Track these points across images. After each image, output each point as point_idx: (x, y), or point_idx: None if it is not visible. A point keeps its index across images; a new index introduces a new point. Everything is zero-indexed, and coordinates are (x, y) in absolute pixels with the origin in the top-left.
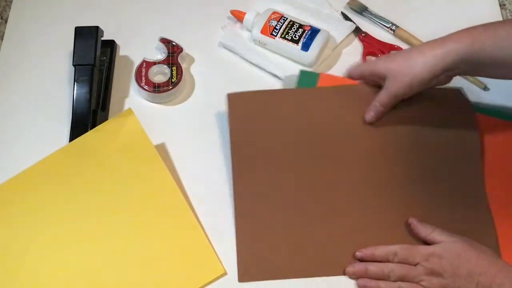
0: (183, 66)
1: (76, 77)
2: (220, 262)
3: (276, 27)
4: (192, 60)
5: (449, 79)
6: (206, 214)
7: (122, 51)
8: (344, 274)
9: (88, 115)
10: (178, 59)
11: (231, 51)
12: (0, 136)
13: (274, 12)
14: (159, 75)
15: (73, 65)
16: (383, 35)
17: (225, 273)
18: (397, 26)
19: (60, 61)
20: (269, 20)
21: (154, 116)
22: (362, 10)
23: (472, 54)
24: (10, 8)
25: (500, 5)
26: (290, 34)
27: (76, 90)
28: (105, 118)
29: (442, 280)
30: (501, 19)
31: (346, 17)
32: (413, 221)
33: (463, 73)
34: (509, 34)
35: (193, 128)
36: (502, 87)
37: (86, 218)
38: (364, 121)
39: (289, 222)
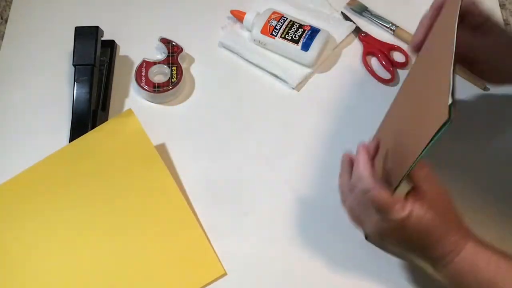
0: (183, 66)
1: (76, 77)
2: (220, 262)
3: (276, 27)
4: (192, 60)
5: None
6: (206, 214)
7: (122, 51)
8: None
9: (88, 115)
10: (178, 59)
11: (231, 51)
12: (0, 136)
13: (274, 12)
14: (159, 75)
15: (73, 65)
16: (383, 35)
17: (225, 274)
18: (397, 26)
19: (60, 61)
20: (269, 20)
21: (154, 116)
22: (362, 10)
23: None
24: (10, 8)
25: (500, 5)
26: (290, 34)
27: (76, 90)
28: (105, 118)
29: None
30: (501, 19)
31: (346, 17)
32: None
33: None
34: None
35: (193, 128)
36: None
37: (86, 218)
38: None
39: None
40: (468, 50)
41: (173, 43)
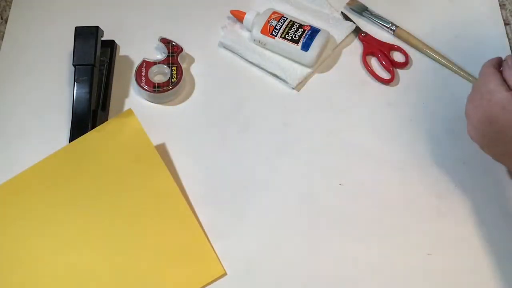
0: (183, 66)
1: (76, 77)
2: (220, 262)
3: (276, 27)
4: (192, 60)
5: None
6: (206, 214)
7: (122, 51)
8: None
9: (88, 115)
10: (178, 59)
11: (231, 51)
12: (0, 136)
13: (274, 12)
14: (159, 75)
15: (73, 65)
16: (383, 35)
17: (225, 274)
18: (397, 26)
19: (60, 61)
20: (269, 20)
21: (154, 116)
22: (362, 10)
23: None
24: (10, 8)
25: (500, 5)
26: (290, 34)
27: (76, 90)
28: (105, 118)
29: None
30: (501, 19)
31: (346, 17)
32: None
33: None
34: None
35: (193, 128)
36: None
37: (86, 218)
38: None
39: None
40: None
41: (173, 43)
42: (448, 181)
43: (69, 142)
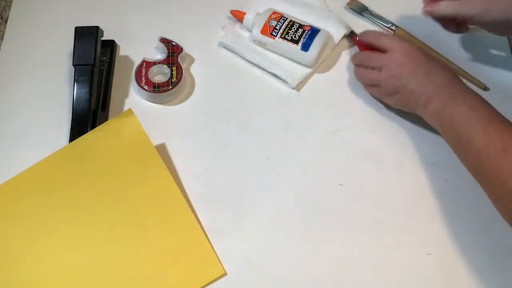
0: (183, 66)
1: (76, 77)
2: (220, 262)
3: (276, 27)
4: (192, 60)
5: None
6: (206, 214)
7: (122, 51)
8: None
9: (88, 115)
10: (178, 59)
11: (231, 51)
12: (0, 136)
13: (274, 12)
14: (159, 75)
15: (73, 65)
16: None
17: (225, 274)
18: (397, 26)
19: (60, 61)
20: (269, 20)
21: (154, 116)
22: (362, 10)
23: None
24: (10, 8)
25: None
26: (290, 34)
27: (76, 90)
28: (105, 118)
29: (398, 82)
30: None
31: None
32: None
33: None
34: None
35: (193, 128)
36: (502, 86)
37: (85, 218)
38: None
39: None
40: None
41: (173, 43)
42: (448, 181)
43: (69, 142)
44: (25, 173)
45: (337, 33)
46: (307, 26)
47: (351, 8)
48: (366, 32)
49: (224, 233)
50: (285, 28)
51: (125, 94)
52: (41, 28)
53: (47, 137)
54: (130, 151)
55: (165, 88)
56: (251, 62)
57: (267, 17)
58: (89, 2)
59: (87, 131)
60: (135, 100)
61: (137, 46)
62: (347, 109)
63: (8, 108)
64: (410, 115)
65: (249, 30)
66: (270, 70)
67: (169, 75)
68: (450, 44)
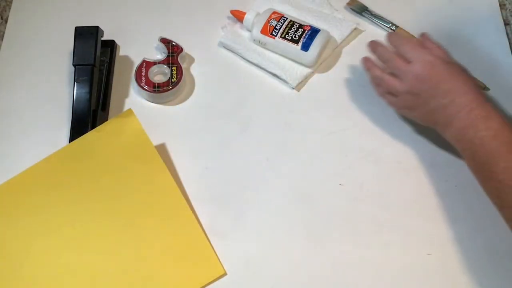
0: (183, 66)
1: (76, 77)
2: (220, 262)
3: (276, 27)
4: (192, 60)
5: None
6: (206, 214)
7: (122, 51)
8: None
9: (88, 115)
10: (178, 59)
11: (231, 51)
12: (0, 136)
13: (274, 12)
14: (159, 75)
15: (73, 65)
16: (383, 35)
17: (225, 274)
18: (397, 26)
19: (60, 61)
20: (269, 20)
21: (154, 116)
22: (362, 10)
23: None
24: (10, 8)
25: (500, 5)
26: (290, 34)
27: (76, 90)
28: (105, 118)
29: (417, 99)
30: (501, 19)
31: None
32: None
33: None
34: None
35: (193, 128)
36: (502, 86)
37: (85, 218)
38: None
39: None
40: None
41: (173, 43)
42: (448, 181)
43: (69, 142)
44: (25, 173)
45: (339, 33)
46: (307, 26)
47: (351, 8)
48: (391, 35)
49: (224, 233)
50: (285, 28)
51: (125, 94)
52: (41, 28)
53: (47, 137)
54: (130, 151)
55: (165, 88)
56: (251, 62)
57: (267, 17)
58: (89, 2)
59: (87, 131)
60: (135, 100)
61: (137, 46)
62: (347, 109)
63: (8, 108)
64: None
65: (249, 30)
66: (270, 70)
67: (169, 75)
68: (449, 45)
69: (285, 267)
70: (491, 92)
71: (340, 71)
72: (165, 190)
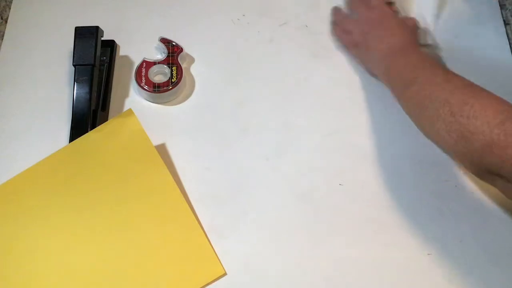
0: (183, 66)
1: (76, 77)
2: (220, 262)
3: None
4: (192, 60)
5: None
6: (206, 214)
7: (122, 51)
8: None
9: (88, 115)
10: (178, 59)
11: None
12: (0, 136)
13: None
14: (159, 75)
15: (73, 65)
16: None
17: (225, 274)
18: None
19: (60, 61)
20: None
21: (154, 116)
22: None
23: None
24: (10, 8)
25: (500, 5)
26: None
27: (76, 90)
28: (105, 118)
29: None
30: (501, 19)
31: None
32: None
33: None
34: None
35: (193, 128)
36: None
37: (86, 218)
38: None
39: None
40: None
41: (173, 43)
42: (448, 181)
43: (69, 142)
44: (25, 173)
45: None
46: None
47: None
48: None
49: (224, 233)
50: None
51: (125, 94)
52: (41, 28)
53: (47, 137)
54: (130, 151)
55: (165, 88)
56: None
57: None
58: (89, 2)
59: (87, 131)
60: (135, 100)
61: (137, 46)
62: (347, 109)
63: (8, 108)
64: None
65: None
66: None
67: (169, 75)
68: (448, 43)
69: (285, 267)
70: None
71: (340, 71)
72: (165, 190)
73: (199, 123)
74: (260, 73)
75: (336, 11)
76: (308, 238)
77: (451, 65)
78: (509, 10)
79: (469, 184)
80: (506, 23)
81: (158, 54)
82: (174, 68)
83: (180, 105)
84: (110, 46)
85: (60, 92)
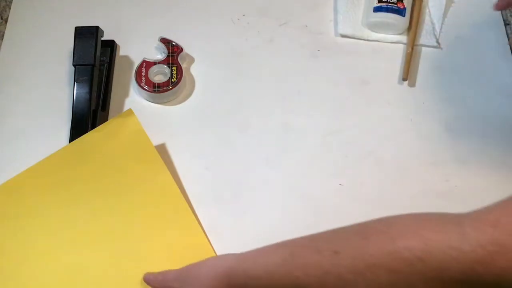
0: (183, 66)
1: (76, 77)
2: None
3: None
4: (192, 60)
5: None
6: (206, 214)
7: (122, 51)
8: None
9: (88, 115)
10: (178, 59)
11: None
12: (0, 136)
13: None
14: (159, 75)
15: (73, 65)
16: None
17: None
18: None
19: (60, 61)
20: None
21: (154, 116)
22: None
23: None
24: (10, 8)
25: None
26: None
27: (76, 90)
28: (105, 118)
29: None
30: (501, 19)
31: None
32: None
33: None
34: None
35: (193, 128)
36: (502, 86)
37: (86, 218)
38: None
39: None
40: None
41: (173, 43)
42: (448, 181)
43: (69, 142)
44: (25, 173)
45: None
46: None
47: None
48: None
49: (224, 233)
50: None
51: (125, 94)
52: (41, 28)
53: (47, 137)
54: (130, 151)
55: (165, 88)
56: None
57: None
58: (89, 2)
59: (87, 131)
60: (135, 100)
61: (137, 46)
62: (347, 109)
63: (8, 108)
64: (410, 114)
65: None
66: None
67: (169, 75)
68: (449, 44)
69: None
70: (491, 92)
71: (340, 71)
72: (165, 190)
73: (199, 123)
74: (260, 73)
75: None
76: None
77: (452, 66)
78: (509, 10)
79: (469, 184)
80: (506, 23)
81: (158, 54)
82: (174, 68)
83: (180, 105)
84: (110, 46)
85: (60, 92)
